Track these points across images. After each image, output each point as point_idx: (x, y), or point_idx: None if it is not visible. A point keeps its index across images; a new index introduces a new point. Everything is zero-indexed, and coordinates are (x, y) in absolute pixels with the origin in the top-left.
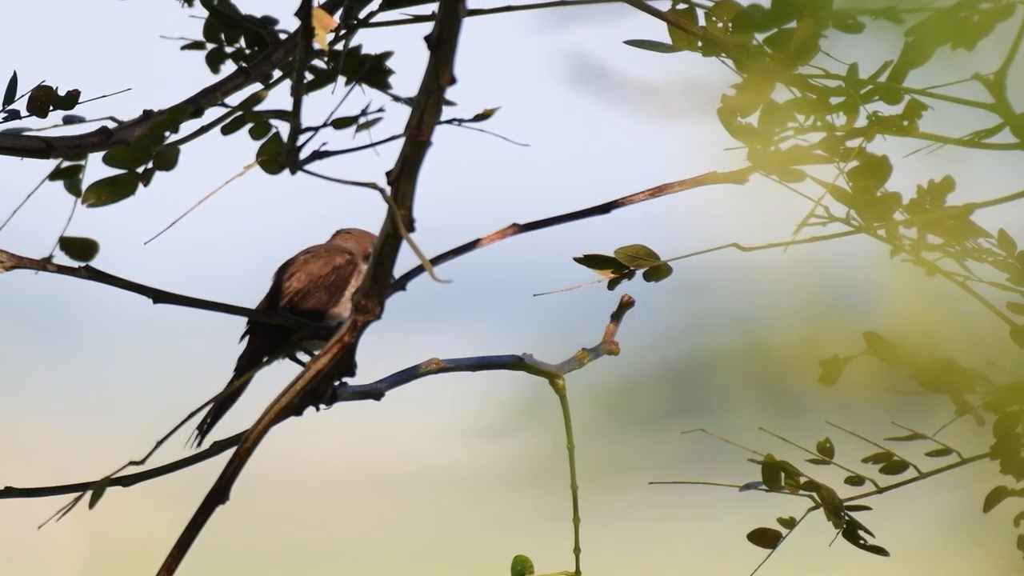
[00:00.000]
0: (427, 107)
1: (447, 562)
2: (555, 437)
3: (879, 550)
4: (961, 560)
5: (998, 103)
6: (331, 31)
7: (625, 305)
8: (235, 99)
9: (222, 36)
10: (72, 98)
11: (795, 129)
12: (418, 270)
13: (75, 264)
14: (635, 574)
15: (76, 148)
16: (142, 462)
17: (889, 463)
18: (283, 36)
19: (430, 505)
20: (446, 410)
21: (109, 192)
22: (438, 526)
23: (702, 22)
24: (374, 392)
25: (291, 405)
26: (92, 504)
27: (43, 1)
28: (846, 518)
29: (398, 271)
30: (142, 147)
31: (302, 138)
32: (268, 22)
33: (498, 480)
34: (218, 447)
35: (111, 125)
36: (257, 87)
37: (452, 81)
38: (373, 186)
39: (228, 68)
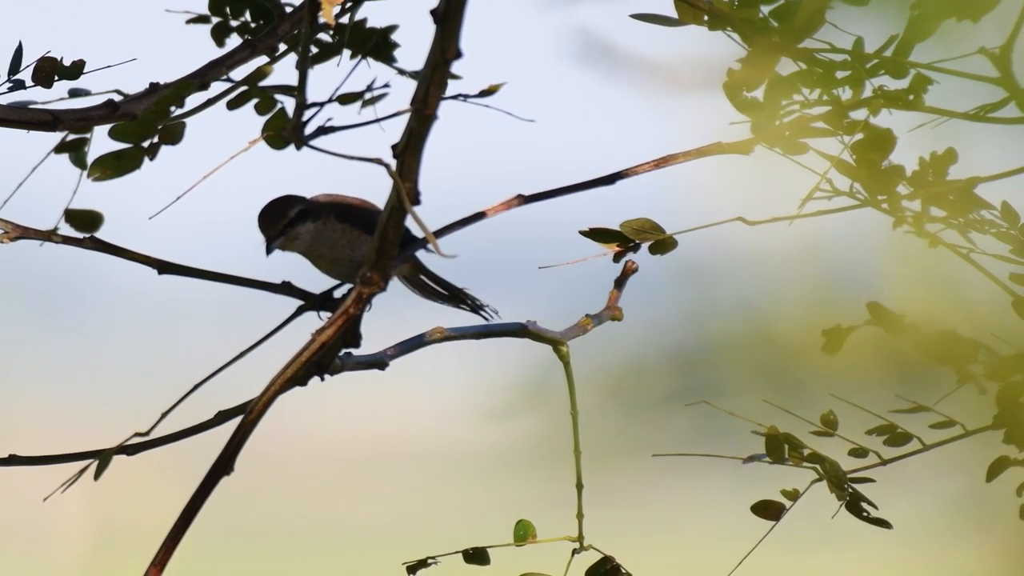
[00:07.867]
0: (433, 81)
1: (449, 537)
2: (559, 414)
3: (882, 522)
4: (964, 531)
5: (1004, 77)
6: (337, 4)
7: (628, 272)
8: (241, 72)
9: (227, 9)
10: (77, 68)
11: (800, 103)
12: (422, 243)
13: (80, 235)
14: (639, 546)
15: (82, 121)
16: (147, 433)
17: (893, 435)
18: (289, 9)
19: (433, 481)
20: (450, 386)
21: (114, 166)
22: (441, 503)
23: None
24: (379, 362)
25: (296, 376)
26: (98, 475)
27: None
28: (849, 490)
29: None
30: (148, 121)
31: (307, 113)
32: None
33: (502, 458)
34: (223, 417)
35: (117, 98)
36: (263, 60)
37: (458, 55)
38: (378, 161)
39: (233, 41)
